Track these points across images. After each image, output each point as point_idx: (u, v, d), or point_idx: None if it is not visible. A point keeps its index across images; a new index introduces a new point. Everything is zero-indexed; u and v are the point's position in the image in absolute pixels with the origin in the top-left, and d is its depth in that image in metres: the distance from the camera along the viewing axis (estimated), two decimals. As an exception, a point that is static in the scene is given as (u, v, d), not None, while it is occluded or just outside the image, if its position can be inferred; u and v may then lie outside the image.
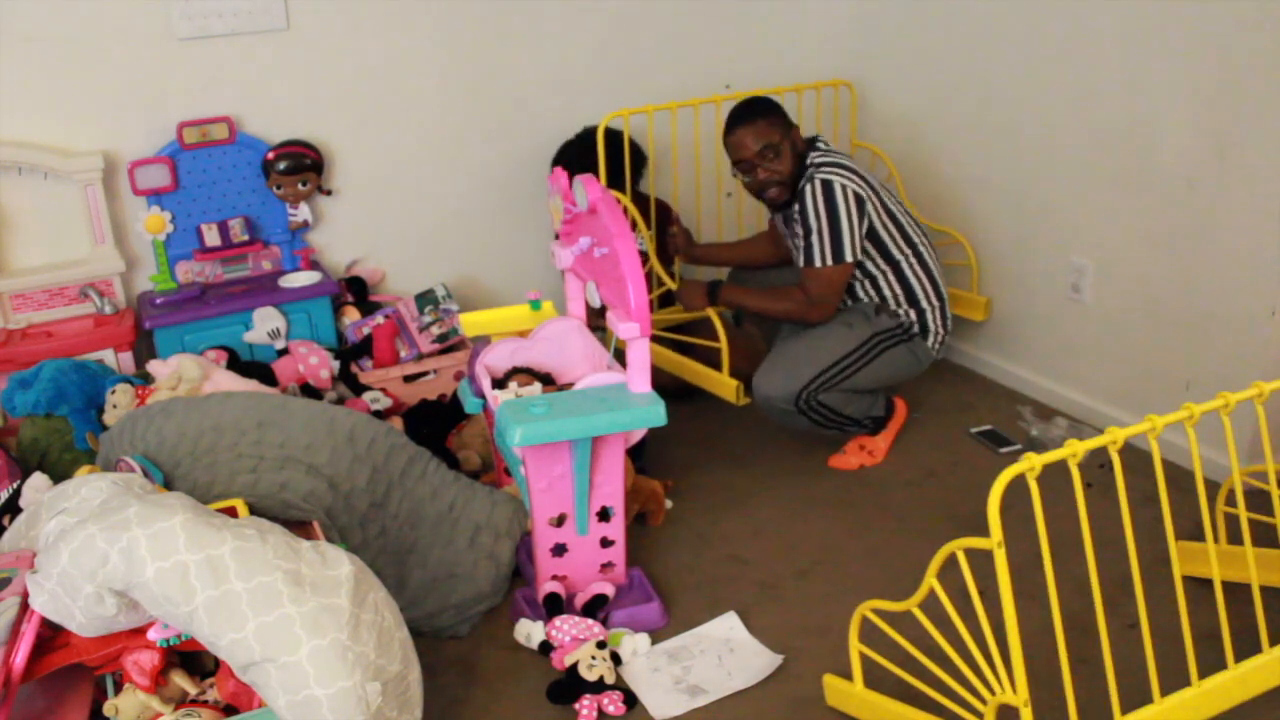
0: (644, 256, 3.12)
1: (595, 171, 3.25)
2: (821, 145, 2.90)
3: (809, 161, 2.87)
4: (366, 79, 3.25)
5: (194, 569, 1.73)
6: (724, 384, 2.95)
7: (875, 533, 2.70)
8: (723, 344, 2.93)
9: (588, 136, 3.30)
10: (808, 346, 2.86)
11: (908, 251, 2.93)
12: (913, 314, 2.94)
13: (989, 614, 1.74)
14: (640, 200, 3.45)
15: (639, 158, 3.38)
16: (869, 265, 2.91)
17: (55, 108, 2.93)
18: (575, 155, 3.30)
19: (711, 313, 2.99)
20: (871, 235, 2.87)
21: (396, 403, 3.10)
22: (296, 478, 2.32)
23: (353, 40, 3.20)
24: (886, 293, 2.94)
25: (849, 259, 2.81)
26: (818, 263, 2.81)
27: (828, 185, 2.78)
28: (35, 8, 2.84)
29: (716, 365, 2.98)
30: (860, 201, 2.81)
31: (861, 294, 2.95)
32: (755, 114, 2.87)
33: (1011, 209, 3.31)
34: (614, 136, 3.26)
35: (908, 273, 2.93)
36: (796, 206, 2.86)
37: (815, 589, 2.50)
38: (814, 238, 2.80)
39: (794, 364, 2.84)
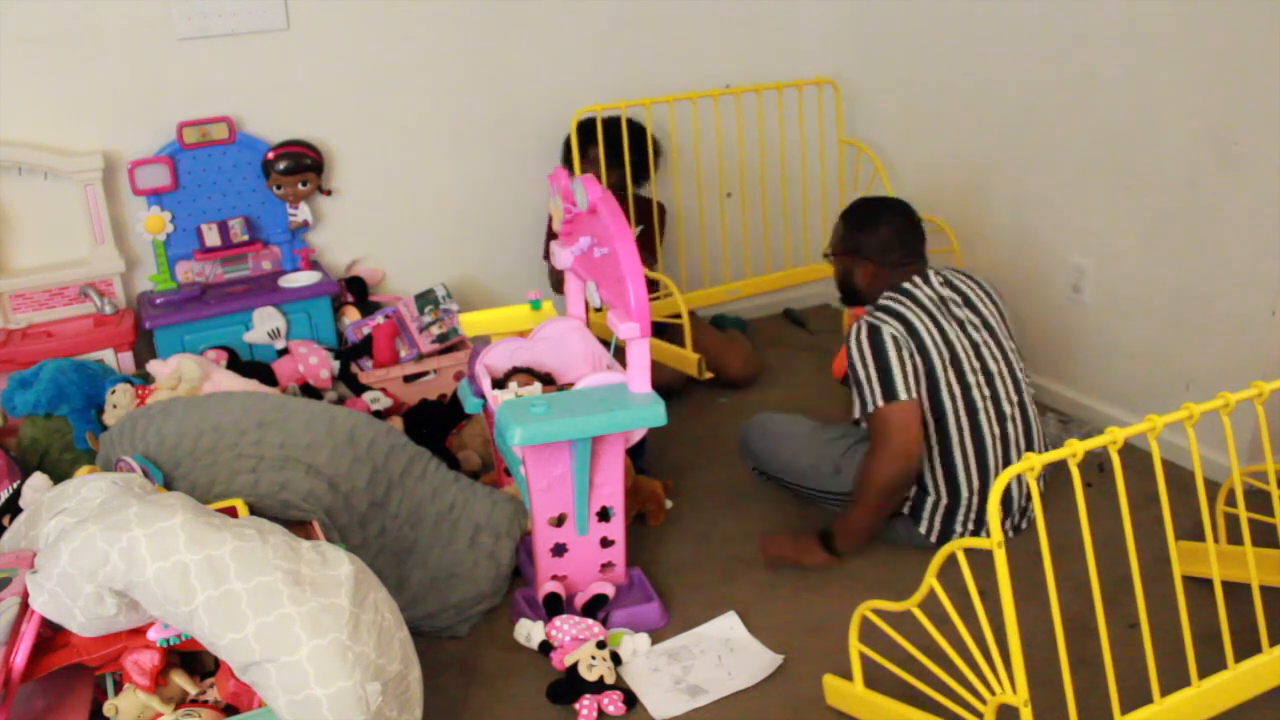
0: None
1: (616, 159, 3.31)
2: (906, 287, 2.55)
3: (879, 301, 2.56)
4: (366, 79, 3.25)
5: (194, 569, 1.73)
6: (686, 359, 3.01)
7: (875, 533, 2.70)
8: (685, 322, 3.01)
9: (611, 126, 3.33)
10: (792, 449, 2.68)
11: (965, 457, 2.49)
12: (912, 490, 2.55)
13: (989, 614, 1.74)
14: (640, 203, 3.46)
15: (652, 149, 3.42)
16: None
17: (55, 108, 2.93)
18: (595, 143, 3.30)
19: (684, 316, 3.03)
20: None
21: (396, 403, 3.10)
22: (296, 478, 2.32)
23: (353, 40, 3.20)
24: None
25: (903, 397, 2.41)
26: (870, 407, 2.45)
27: (874, 330, 2.46)
28: (35, 8, 2.84)
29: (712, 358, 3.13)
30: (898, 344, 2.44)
31: None
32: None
33: (1011, 209, 3.31)
34: (623, 126, 3.30)
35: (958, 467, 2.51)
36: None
37: (815, 589, 2.50)
38: (863, 386, 2.46)
39: (771, 447, 2.72)
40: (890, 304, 2.52)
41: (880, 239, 2.59)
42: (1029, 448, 2.54)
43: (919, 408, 2.44)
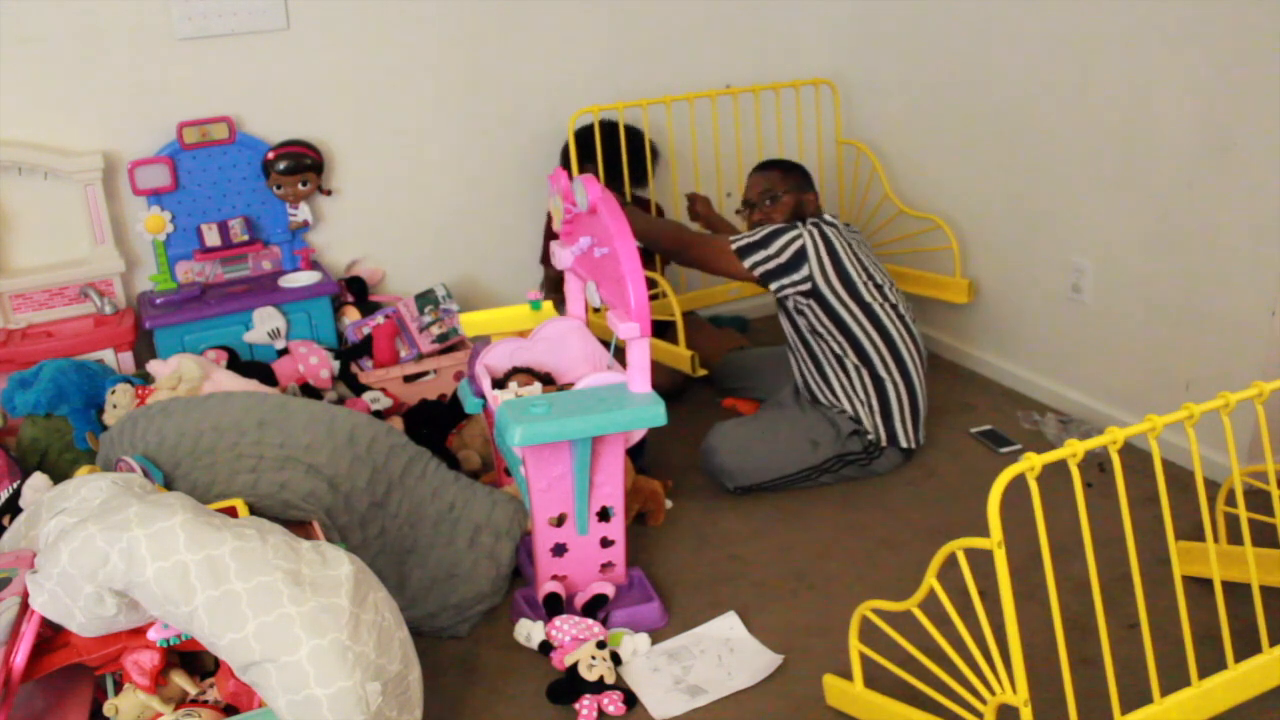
0: None
1: (600, 165, 3.29)
2: (829, 218, 2.90)
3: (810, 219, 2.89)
4: (366, 79, 3.25)
5: (194, 569, 1.73)
6: (679, 356, 3.02)
7: (875, 533, 2.70)
8: (677, 318, 3.02)
9: (608, 134, 3.33)
10: (766, 449, 2.83)
11: (888, 358, 2.84)
12: (883, 431, 2.87)
13: (989, 614, 1.74)
14: (640, 204, 3.46)
15: (649, 154, 3.43)
16: (847, 362, 2.84)
17: (55, 108, 2.93)
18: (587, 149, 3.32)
19: (678, 316, 3.04)
20: (845, 329, 2.82)
21: (396, 403, 3.10)
22: (296, 478, 2.32)
23: (353, 40, 3.20)
24: (859, 395, 2.85)
25: (747, 265, 2.80)
26: (733, 244, 2.81)
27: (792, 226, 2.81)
28: (35, 8, 2.84)
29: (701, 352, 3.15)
30: (829, 245, 2.79)
31: (840, 395, 2.87)
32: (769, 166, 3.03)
33: (1011, 209, 3.31)
34: (620, 132, 3.29)
35: (884, 377, 2.84)
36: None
37: (815, 588, 2.50)
38: (752, 232, 2.83)
39: (745, 459, 2.82)
40: (823, 225, 2.85)
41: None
42: (917, 345, 2.91)
43: (740, 273, 2.82)
